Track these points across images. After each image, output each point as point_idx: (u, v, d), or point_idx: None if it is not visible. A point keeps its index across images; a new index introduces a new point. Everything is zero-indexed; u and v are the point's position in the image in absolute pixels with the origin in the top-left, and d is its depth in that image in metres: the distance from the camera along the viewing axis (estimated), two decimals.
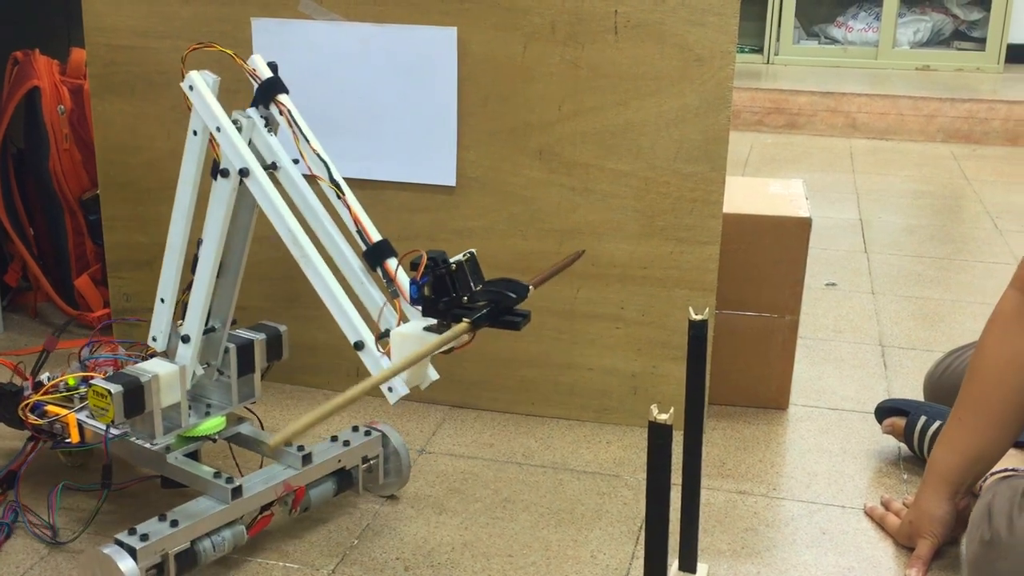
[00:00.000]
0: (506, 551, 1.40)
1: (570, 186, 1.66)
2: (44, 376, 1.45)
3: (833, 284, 2.46)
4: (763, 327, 1.77)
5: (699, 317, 1.21)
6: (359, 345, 1.22)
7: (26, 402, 1.40)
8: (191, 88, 1.29)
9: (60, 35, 2.17)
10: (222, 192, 1.29)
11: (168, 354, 1.38)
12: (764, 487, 1.57)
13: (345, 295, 1.24)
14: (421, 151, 1.69)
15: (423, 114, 1.67)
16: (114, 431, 1.34)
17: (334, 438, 1.45)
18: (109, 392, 1.27)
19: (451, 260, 1.15)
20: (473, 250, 1.18)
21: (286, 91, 1.32)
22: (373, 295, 1.25)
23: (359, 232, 1.26)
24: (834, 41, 5.10)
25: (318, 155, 1.28)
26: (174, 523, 1.25)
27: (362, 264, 1.26)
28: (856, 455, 1.67)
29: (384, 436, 1.49)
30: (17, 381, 1.47)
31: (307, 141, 1.29)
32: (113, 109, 1.84)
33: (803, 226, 1.73)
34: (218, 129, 1.28)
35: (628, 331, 1.71)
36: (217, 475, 1.32)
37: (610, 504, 1.52)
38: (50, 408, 1.38)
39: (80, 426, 1.37)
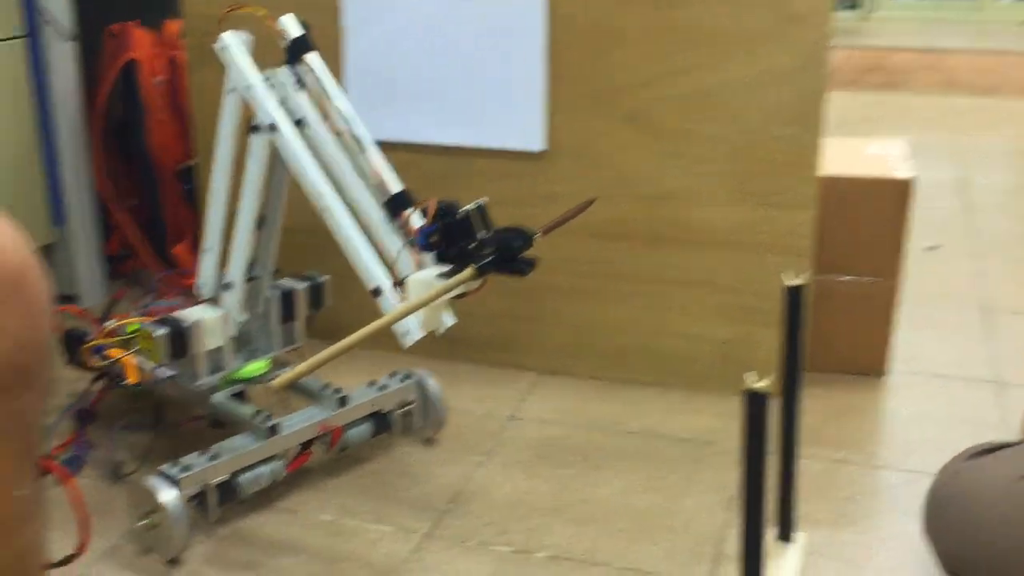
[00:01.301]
0: (597, 517, 1.39)
1: (660, 150, 1.63)
2: (110, 322, 1.51)
3: (935, 247, 2.38)
4: (862, 292, 1.73)
5: (795, 282, 1.18)
6: (376, 291, 1.27)
7: (88, 344, 1.47)
8: (224, 48, 1.35)
9: (155, 6, 2.20)
10: (256, 148, 1.36)
11: (214, 301, 1.45)
12: (863, 455, 1.54)
13: (365, 244, 1.28)
14: (509, 116, 1.68)
15: (511, 79, 1.66)
16: (166, 371, 1.41)
17: (372, 383, 1.50)
18: (155, 334, 1.36)
19: (460, 209, 1.20)
20: (484, 199, 1.22)
21: (314, 49, 1.35)
22: (394, 244, 1.29)
23: (379, 184, 1.30)
24: None
25: (341, 112, 1.33)
26: (214, 457, 1.32)
27: (383, 214, 1.30)
28: (958, 422, 1.62)
29: (420, 381, 1.53)
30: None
31: (331, 99, 1.33)
32: (209, 79, 1.86)
33: (904, 188, 1.67)
34: (248, 87, 1.33)
35: (720, 297, 1.68)
36: (256, 414, 1.38)
37: (703, 472, 1.50)
38: (111, 351, 1.45)
39: (139, 367, 1.42)
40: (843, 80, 4.10)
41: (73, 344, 1.50)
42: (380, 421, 1.50)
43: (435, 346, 1.84)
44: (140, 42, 2.09)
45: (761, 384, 1.05)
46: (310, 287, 1.52)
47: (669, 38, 1.58)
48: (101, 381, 1.52)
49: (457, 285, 1.17)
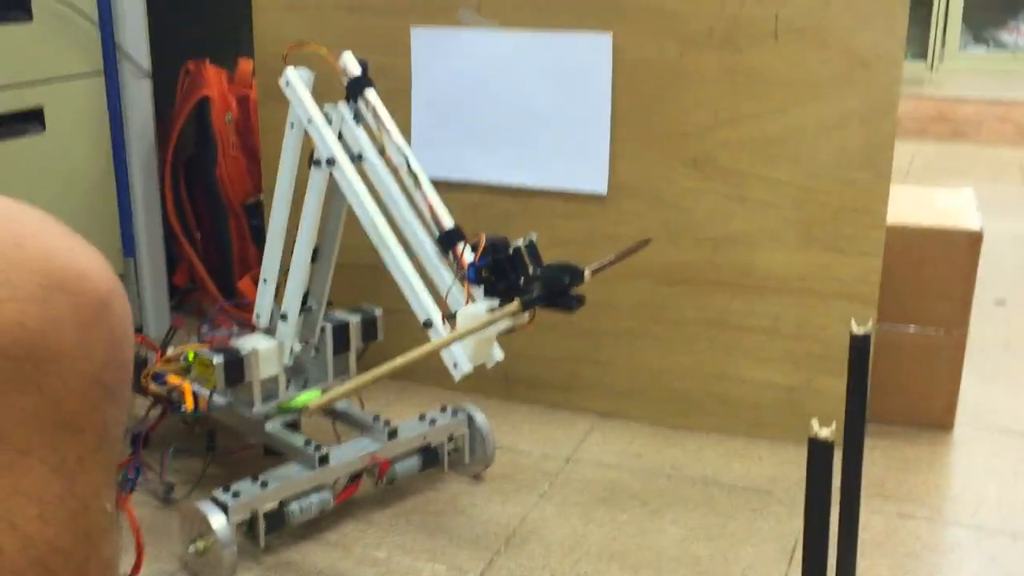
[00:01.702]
0: (654, 564, 1.37)
1: (725, 194, 1.63)
2: (170, 350, 1.55)
3: (1003, 301, 2.33)
4: (928, 343, 1.69)
5: (861, 330, 1.16)
6: (428, 323, 1.28)
7: (148, 371, 1.50)
8: (287, 84, 1.39)
9: (228, 46, 2.25)
10: (315, 181, 1.38)
11: (270, 331, 1.47)
12: (927, 510, 1.50)
13: (418, 277, 1.30)
14: (573, 158, 1.68)
15: (576, 121, 1.66)
16: (220, 399, 1.44)
17: (422, 416, 1.51)
18: (212, 362, 1.38)
19: (511, 245, 1.21)
20: (534, 234, 1.23)
21: (372, 86, 1.38)
22: (445, 278, 1.30)
23: (433, 218, 1.31)
24: (1003, 46, 4.87)
25: (398, 147, 1.34)
26: (264, 484, 1.33)
27: (436, 249, 1.32)
28: None
29: (470, 417, 1.53)
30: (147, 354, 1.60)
31: (389, 133, 1.35)
32: (279, 117, 1.88)
33: (974, 239, 1.64)
34: (309, 121, 1.36)
35: (784, 343, 1.65)
36: (307, 443, 1.40)
37: (762, 521, 1.47)
38: (170, 378, 1.48)
39: (195, 394, 1.45)
40: (910, 129, 4.05)
41: (135, 370, 1.53)
42: (429, 455, 1.50)
43: (495, 386, 1.85)
44: (213, 80, 2.13)
45: (826, 432, 1.03)
46: (363, 320, 1.53)
47: (735, 82, 1.58)
48: (159, 407, 1.55)
49: (502, 318, 1.18)
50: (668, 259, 1.68)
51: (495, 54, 1.69)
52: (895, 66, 1.50)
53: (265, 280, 1.47)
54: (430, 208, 1.32)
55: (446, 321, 1.27)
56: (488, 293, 1.24)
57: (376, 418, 1.48)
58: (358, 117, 1.39)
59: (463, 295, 1.27)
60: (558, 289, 1.18)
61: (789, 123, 1.57)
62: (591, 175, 1.67)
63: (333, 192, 1.41)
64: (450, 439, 1.52)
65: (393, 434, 1.45)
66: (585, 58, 1.63)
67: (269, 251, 1.46)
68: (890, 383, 1.71)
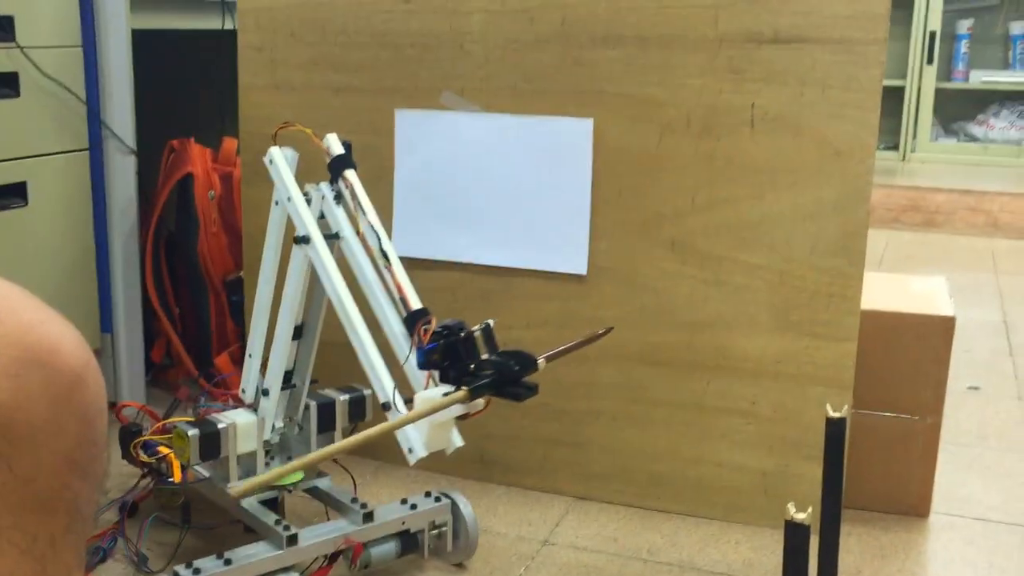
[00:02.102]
0: None
1: (702, 278, 1.64)
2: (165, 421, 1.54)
3: (976, 388, 2.35)
4: (902, 429, 1.70)
5: (837, 415, 1.17)
6: (386, 406, 1.29)
7: (137, 440, 1.50)
8: (271, 162, 1.42)
9: (213, 124, 2.28)
10: (297, 258, 1.41)
11: (255, 406, 1.47)
12: None
13: (379, 358, 1.31)
14: (553, 239, 1.70)
15: (557, 203, 1.69)
16: (203, 472, 1.44)
17: (403, 500, 1.49)
18: (187, 434, 1.38)
19: (465, 330, 1.22)
20: (491, 320, 1.24)
21: (353, 166, 1.41)
22: (411, 360, 1.31)
23: (401, 299, 1.33)
24: (974, 139, 4.98)
25: (372, 227, 1.37)
26: (228, 562, 1.31)
27: (403, 330, 1.33)
28: (1004, 570, 1.57)
29: (455, 504, 1.51)
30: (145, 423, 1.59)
31: (364, 214, 1.37)
32: (262, 195, 1.90)
33: (947, 325, 1.66)
34: (289, 199, 1.39)
35: (760, 427, 1.66)
36: (277, 522, 1.38)
37: None
38: (161, 448, 1.47)
39: (183, 467, 1.43)
40: (883, 218, 4.12)
41: (127, 439, 1.54)
42: (408, 540, 1.47)
43: (471, 467, 1.84)
44: (197, 157, 2.15)
45: (802, 516, 1.03)
46: (351, 399, 1.53)
47: (712, 168, 1.61)
48: (149, 477, 1.54)
49: (449, 404, 1.18)
50: (646, 340, 1.68)
51: (478, 137, 1.71)
52: (868, 155, 1.53)
53: (250, 355, 1.48)
54: (398, 288, 1.33)
55: (408, 404, 1.27)
56: (441, 379, 1.24)
57: (354, 499, 1.46)
58: (339, 197, 1.40)
59: (424, 378, 1.27)
60: (509, 377, 1.18)
61: (765, 209, 1.59)
62: (571, 256, 1.69)
63: (315, 270, 1.42)
64: (433, 526, 1.49)
65: (369, 517, 1.43)
66: (566, 142, 1.66)
67: (254, 327, 1.47)
68: (865, 469, 1.71)
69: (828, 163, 1.55)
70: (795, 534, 1.01)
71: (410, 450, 1.26)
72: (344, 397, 1.52)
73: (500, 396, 1.20)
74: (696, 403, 1.68)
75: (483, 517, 1.70)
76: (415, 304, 1.32)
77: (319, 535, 1.39)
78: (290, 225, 1.42)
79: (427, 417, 1.20)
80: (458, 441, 1.29)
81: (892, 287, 1.82)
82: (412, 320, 1.31)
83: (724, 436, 1.68)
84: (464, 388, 1.18)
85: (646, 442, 1.73)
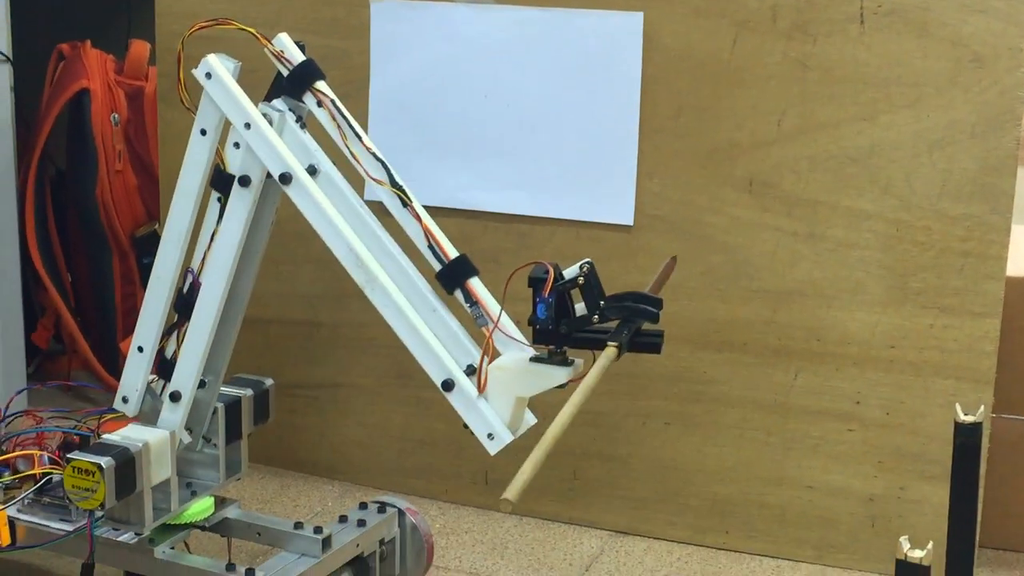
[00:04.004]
0: None
1: (791, 230, 1.65)
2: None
3: None
4: None
5: (971, 419, 1.18)
6: (448, 384, 1.31)
7: None
8: (208, 76, 1.36)
9: (116, 24, 2.27)
10: (240, 206, 1.37)
11: (139, 419, 1.43)
12: None
13: (427, 326, 1.32)
14: (587, 179, 1.70)
15: (593, 130, 1.69)
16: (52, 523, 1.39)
17: (343, 518, 1.51)
18: (99, 468, 1.32)
19: (566, 274, 1.26)
20: (590, 260, 1.27)
21: (323, 77, 1.38)
22: (450, 324, 1.32)
23: (432, 248, 1.33)
24: None
25: (374, 154, 1.35)
26: None
27: (430, 287, 1.34)
28: None
29: (400, 513, 1.55)
30: None
31: (359, 137, 1.36)
32: (184, 119, 1.90)
33: None
34: (248, 126, 1.35)
35: (866, 435, 1.66)
36: (229, 567, 1.38)
37: None
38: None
39: (11, 524, 1.40)
40: None
41: None
42: (360, 568, 1.51)
43: (471, 490, 1.84)
44: (95, 68, 2.14)
45: (919, 554, 1.05)
46: (256, 395, 1.52)
47: (805, 81, 1.61)
48: None
49: (607, 365, 1.21)
50: (711, 316, 1.69)
51: (483, 37, 1.71)
52: (1018, 64, 1.53)
53: (140, 348, 1.43)
54: (427, 233, 1.33)
55: (471, 375, 1.31)
56: (543, 338, 1.27)
57: (298, 524, 1.47)
58: (300, 120, 1.40)
59: (477, 345, 1.31)
60: (642, 325, 1.26)
61: (877, 137, 1.59)
62: (611, 201, 1.69)
63: (256, 222, 1.40)
64: (381, 543, 1.53)
65: (327, 543, 1.44)
66: (606, 45, 1.66)
67: (150, 307, 1.42)
68: (1009, 494, 1.72)
69: (964, 73, 1.55)
70: None
71: (490, 436, 1.30)
72: (248, 392, 1.51)
73: (638, 350, 1.26)
74: (779, 402, 1.69)
75: (485, 558, 1.71)
76: (452, 252, 1.33)
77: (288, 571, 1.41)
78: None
79: (510, 391, 1.28)
80: (532, 420, 1.33)
81: None
82: (454, 273, 1.33)
83: (817, 448, 1.69)
84: (611, 345, 1.22)
85: (708, 455, 1.73)
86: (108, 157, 2.14)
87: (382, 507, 1.54)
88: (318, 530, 1.46)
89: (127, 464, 1.36)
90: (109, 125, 2.13)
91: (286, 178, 1.35)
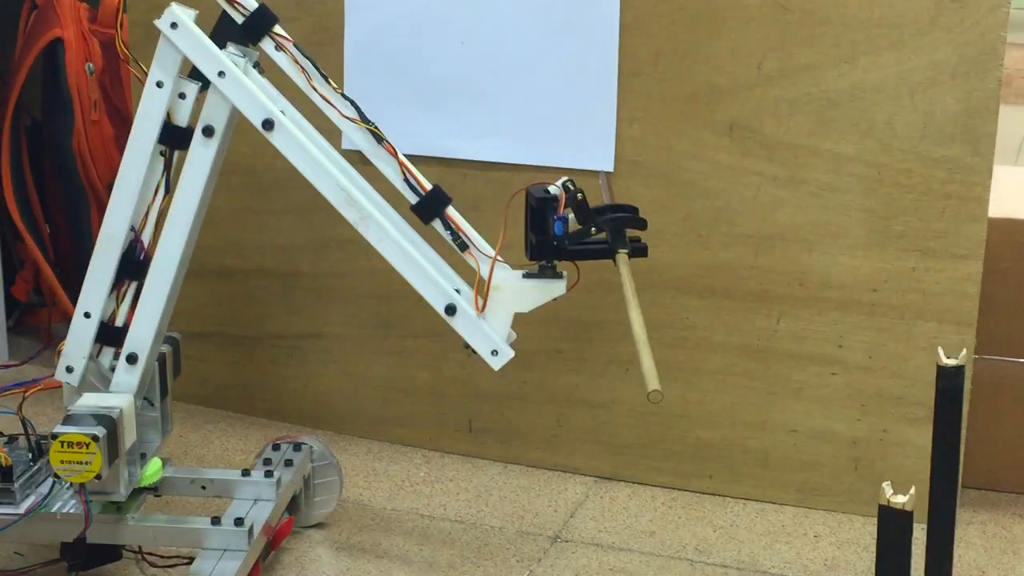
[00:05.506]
0: None
1: (771, 175, 1.64)
2: None
3: None
4: None
5: (954, 361, 1.18)
6: (451, 309, 1.37)
7: None
8: (174, 26, 1.34)
9: None
10: (204, 157, 1.36)
11: (95, 384, 1.42)
12: None
13: (424, 257, 1.37)
14: (567, 125, 1.69)
15: (571, 74, 1.68)
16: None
17: (267, 461, 1.56)
18: (95, 438, 1.30)
19: (550, 189, 1.34)
20: (570, 177, 1.36)
21: (278, 21, 1.38)
22: (432, 255, 1.38)
23: (407, 181, 1.36)
24: None
25: (342, 94, 1.37)
26: None
27: (407, 223, 1.39)
28: None
29: (309, 445, 1.62)
30: None
31: (325, 79, 1.36)
32: None
33: None
34: (221, 74, 1.34)
35: (849, 378, 1.67)
36: (215, 521, 1.41)
37: None
38: None
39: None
40: (1022, 91, 4.10)
41: None
42: (292, 506, 1.59)
43: (454, 437, 1.85)
44: (69, 16, 2.13)
45: (902, 499, 1.05)
46: (173, 350, 1.52)
47: (785, 21, 1.59)
48: None
49: (631, 285, 1.31)
50: (693, 261, 1.69)
51: None
52: (1000, 3, 1.52)
53: (87, 314, 1.40)
54: (403, 167, 1.36)
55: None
56: (549, 253, 1.34)
57: (245, 471, 1.50)
58: (258, 67, 1.39)
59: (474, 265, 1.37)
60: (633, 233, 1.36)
61: (858, 78, 1.58)
62: (591, 147, 1.69)
63: (213, 174, 1.39)
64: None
65: (279, 483, 1.50)
66: None
67: (98, 270, 1.40)
68: (992, 435, 1.73)
69: (946, 13, 1.54)
70: (893, 523, 1.02)
71: (494, 352, 1.37)
72: (167, 348, 1.50)
73: (637, 254, 1.36)
74: (762, 347, 1.69)
75: (470, 505, 1.72)
76: (428, 183, 1.37)
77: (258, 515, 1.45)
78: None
79: (508, 308, 1.37)
80: (513, 335, 1.40)
81: None
82: (431, 203, 1.36)
83: (800, 392, 1.69)
84: (622, 252, 1.33)
85: (692, 402, 1.74)
86: (84, 107, 2.12)
87: (297, 445, 1.61)
88: (269, 473, 1.50)
89: (113, 432, 1.35)
90: (84, 75, 2.12)
91: (269, 124, 1.35)
